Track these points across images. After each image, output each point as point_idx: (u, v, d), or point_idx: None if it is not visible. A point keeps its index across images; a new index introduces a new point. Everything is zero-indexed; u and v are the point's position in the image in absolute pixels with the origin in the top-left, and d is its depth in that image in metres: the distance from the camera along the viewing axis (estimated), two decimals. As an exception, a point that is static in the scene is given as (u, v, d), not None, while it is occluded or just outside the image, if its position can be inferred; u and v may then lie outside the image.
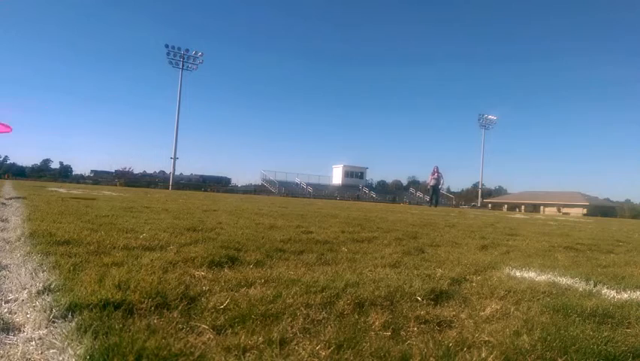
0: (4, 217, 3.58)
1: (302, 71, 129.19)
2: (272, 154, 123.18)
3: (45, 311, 1.22)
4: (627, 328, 1.43)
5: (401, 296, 1.61)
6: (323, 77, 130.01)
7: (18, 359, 0.98)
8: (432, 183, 21.11)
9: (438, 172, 20.99)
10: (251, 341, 1.10)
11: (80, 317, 1.17)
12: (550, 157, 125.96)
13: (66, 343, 1.03)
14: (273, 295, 1.50)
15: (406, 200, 53.42)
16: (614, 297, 1.85)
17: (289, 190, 49.14)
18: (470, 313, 1.47)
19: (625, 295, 1.89)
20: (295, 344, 1.11)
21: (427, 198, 26.88)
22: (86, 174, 56.09)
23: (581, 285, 2.06)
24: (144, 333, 1.09)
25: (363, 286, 1.71)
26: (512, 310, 1.54)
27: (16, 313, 1.25)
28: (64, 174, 59.48)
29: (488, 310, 1.51)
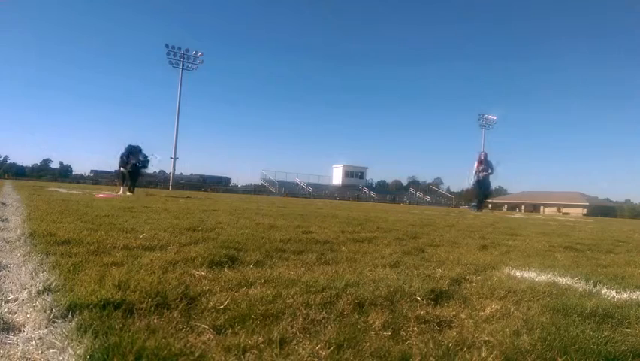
0: (4, 217, 3.58)
1: (302, 71, 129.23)
2: (272, 154, 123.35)
3: (45, 311, 1.22)
4: (627, 328, 1.42)
5: (401, 296, 1.61)
6: (323, 77, 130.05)
7: (18, 358, 0.98)
8: (479, 176, 14.22)
9: (487, 160, 14.23)
10: (251, 340, 1.10)
11: (80, 317, 1.17)
12: (550, 157, 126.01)
13: (66, 343, 1.03)
14: (273, 295, 1.49)
15: (406, 200, 53.45)
16: (614, 297, 1.85)
17: (289, 190, 49.14)
18: (470, 313, 1.47)
19: (625, 295, 1.89)
20: (295, 344, 1.11)
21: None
22: (86, 174, 56.11)
23: (581, 285, 2.06)
24: (144, 333, 1.09)
25: (363, 286, 1.70)
26: (512, 310, 1.54)
27: (16, 313, 1.25)
28: (64, 174, 59.46)
29: (488, 310, 1.51)
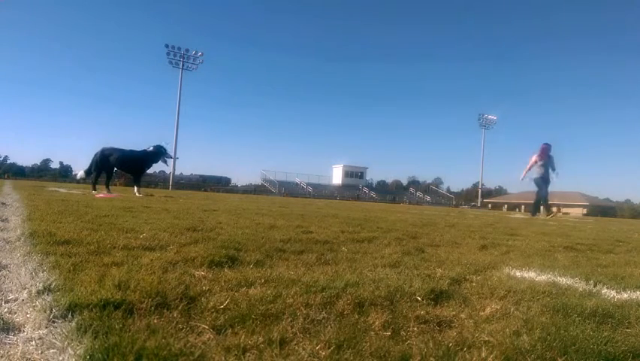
0: (4, 217, 3.58)
1: (302, 71, 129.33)
2: (272, 154, 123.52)
3: (45, 311, 1.22)
4: (627, 328, 1.42)
5: (401, 296, 1.61)
6: (323, 77, 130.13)
7: (18, 358, 0.98)
8: (538, 172, 11.38)
9: (549, 154, 11.39)
10: (251, 340, 1.10)
11: (80, 317, 1.17)
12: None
13: (66, 343, 1.03)
14: (273, 295, 1.49)
15: (406, 200, 53.48)
16: (614, 297, 1.85)
17: (289, 190, 49.14)
18: (470, 313, 1.47)
19: (625, 295, 1.89)
20: (295, 344, 1.10)
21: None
22: (86, 174, 56.02)
23: (581, 285, 2.06)
24: (144, 333, 1.09)
25: (363, 286, 1.70)
26: (512, 310, 1.54)
27: (16, 313, 1.25)
28: (64, 174, 59.47)
29: (488, 310, 1.51)
